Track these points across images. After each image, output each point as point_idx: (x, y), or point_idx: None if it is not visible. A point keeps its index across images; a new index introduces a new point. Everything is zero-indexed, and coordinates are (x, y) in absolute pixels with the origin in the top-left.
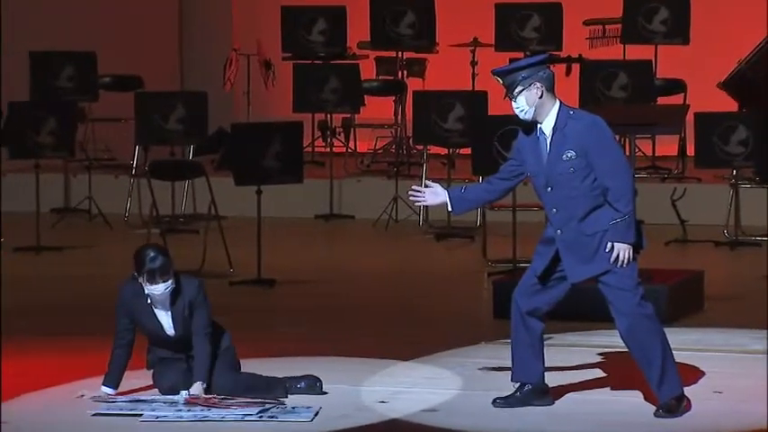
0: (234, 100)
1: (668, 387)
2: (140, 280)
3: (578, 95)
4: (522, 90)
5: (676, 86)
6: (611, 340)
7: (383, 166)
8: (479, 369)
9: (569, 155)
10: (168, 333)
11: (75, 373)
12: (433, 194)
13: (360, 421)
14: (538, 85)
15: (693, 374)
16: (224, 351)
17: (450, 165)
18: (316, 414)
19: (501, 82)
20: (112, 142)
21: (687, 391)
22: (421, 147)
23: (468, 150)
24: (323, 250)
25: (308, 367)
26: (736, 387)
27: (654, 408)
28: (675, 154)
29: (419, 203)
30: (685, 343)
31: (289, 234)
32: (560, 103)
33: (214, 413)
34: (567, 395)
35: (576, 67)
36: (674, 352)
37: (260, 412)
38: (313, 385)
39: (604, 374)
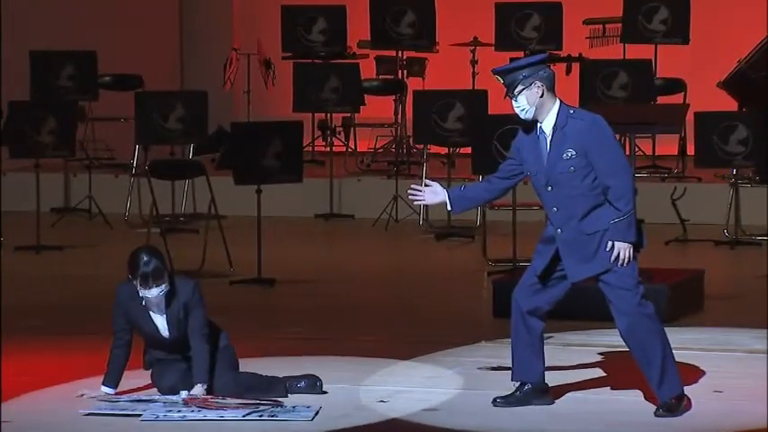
0: (234, 99)
1: (668, 386)
2: (135, 284)
3: (578, 95)
4: (523, 89)
5: (676, 86)
6: (612, 340)
7: (383, 166)
8: (479, 368)
9: (569, 154)
10: (163, 335)
11: (76, 372)
12: (433, 193)
13: (360, 421)
14: (538, 84)
15: (693, 374)
16: (222, 351)
17: (451, 164)
18: (316, 413)
19: (501, 81)
20: (113, 141)
21: (687, 390)
22: (421, 146)
23: (468, 150)
24: (323, 250)
25: (308, 367)
26: (736, 386)
27: (654, 407)
28: (675, 153)
29: (418, 202)
30: (685, 342)
31: (289, 233)
32: (560, 102)
33: (214, 413)
34: (567, 394)
35: (576, 67)
36: (674, 351)
37: (260, 412)
38: (313, 385)
39: (604, 374)
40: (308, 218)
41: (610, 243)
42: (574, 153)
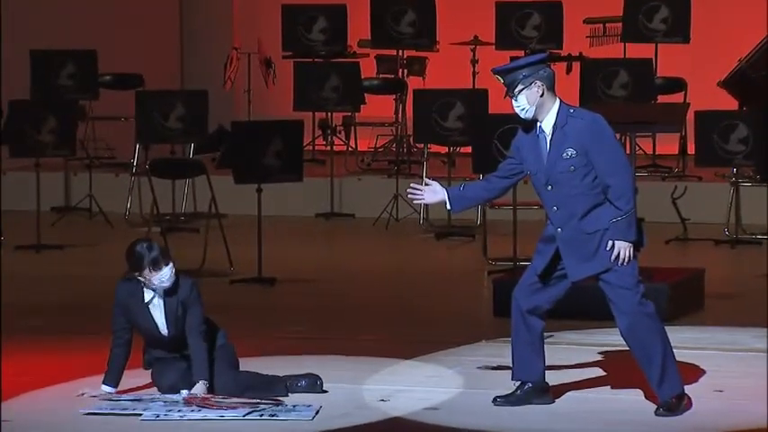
0: (234, 98)
1: (669, 385)
2: (144, 274)
3: (579, 94)
4: (523, 89)
5: (677, 85)
6: (612, 339)
7: (383, 165)
8: (480, 368)
9: (569, 153)
10: (162, 333)
11: (76, 371)
12: (432, 192)
13: (360, 420)
14: (538, 83)
15: (694, 373)
16: (221, 349)
17: (451, 163)
18: (316, 413)
19: (501, 81)
20: (113, 141)
21: (687, 389)
22: (421, 145)
23: (468, 149)
24: (323, 249)
25: (308, 366)
26: (736, 386)
27: (654, 406)
28: (676, 152)
29: (418, 201)
30: (686, 341)
31: (289, 233)
32: (560, 101)
33: (214, 412)
34: (567, 394)
35: (576, 66)
36: (674, 350)
37: (260, 411)
38: (314, 384)
39: (605, 373)
40: (308, 217)
41: (610, 242)
42: (574, 152)
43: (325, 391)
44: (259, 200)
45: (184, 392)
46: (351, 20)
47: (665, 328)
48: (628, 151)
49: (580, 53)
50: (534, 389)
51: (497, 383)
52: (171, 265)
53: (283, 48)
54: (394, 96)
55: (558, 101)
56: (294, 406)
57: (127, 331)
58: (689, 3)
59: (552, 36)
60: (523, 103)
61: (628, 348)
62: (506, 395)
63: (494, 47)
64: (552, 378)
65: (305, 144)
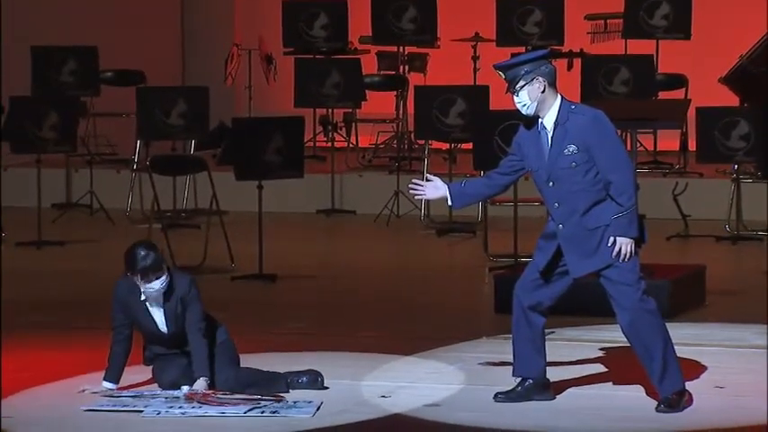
0: (235, 95)
1: (670, 382)
2: (135, 279)
3: (580, 90)
4: (525, 85)
5: (678, 81)
6: (613, 335)
7: (384, 161)
8: (480, 364)
9: (571, 149)
10: (162, 330)
11: (77, 368)
12: (434, 188)
13: (361, 416)
14: (540, 79)
15: (695, 369)
16: (221, 345)
17: (452, 160)
18: (317, 409)
19: (503, 76)
20: (114, 137)
21: (688, 385)
22: (422, 142)
23: (469, 145)
24: (324, 245)
25: (309, 362)
26: (737, 382)
27: (655, 402)
28: (677, 149)
29: (419, 197)
30: (687, 338)
31: (290, 229)
32: (562, 98)
33: (215, 409)
34: (568, 390)
35: (577, 62)
36: (675, 347)
37: (261, 408)
38: (314, 380)
39: (606, 369)
40: (309, 213)
41: (611, 238)
42: (575, 149)
43: (326, 388)
44: (260, 196)
45: (185, 389)
46: (352, 16)
47: (666, 324)
48: (629, 148)
49: (581, 49)
50: (535, 385)
51: (498, 380)
52: (163, 277)
53: (284, 44)
54: (395, 93)
55: (559, 97)
56: (295, 402)
57: (127, 327)
58: None
59: (553, 32)
60: (525, 99)
61: (629, 345)
62: (507, 391)
63: (495, 43)
64: (553, 374)
65: (306, 140)
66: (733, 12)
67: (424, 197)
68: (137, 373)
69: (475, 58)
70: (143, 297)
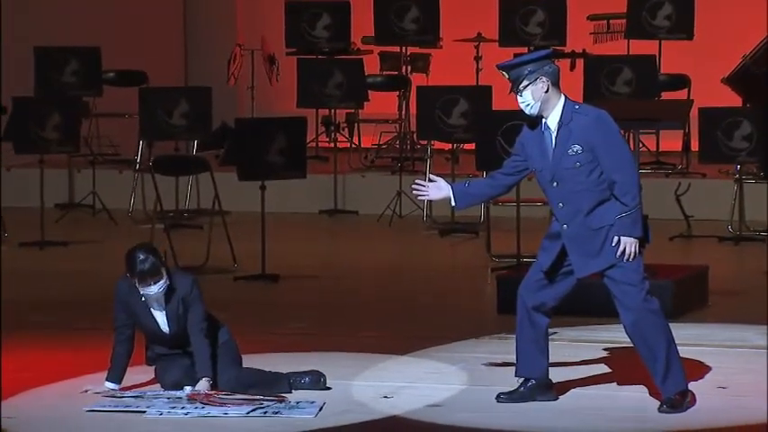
0: (238, 95)
1: (673, 382)
2: (133, 282)
3: (582, 90)
4: (528, 84)
5: (680, 82)
6: (616, 335)
7: (387, 162)
8: (483, 364)
9: (575, 149)
10: (164, 330)
11: (80, 368)
12: (437, 189)
13: (363, 416)
14: (544, 79)
15: (698, 370)
16: (224, 346)
17: (455, 160)
18: (320, 409)
19: (506, 76)
20: (117, 137)
21: (691, 386)
22: (425, 142)
23: (472, 145)
24: (327, 245)
25: (311, 362)
26: (740, 382)
27: (658, 403)
28: (679, 149)
29: (422, 198)
30: (689, 338)
31: (293, 229)
32: (565, 97)
33: (217, 409)
34: (571, 390)
35: (580, 63)
36: (678, 347)
37: (264, 408)
38: (317, 380)
39: (609, 370)
40: (311, 214)
41: (616, 238)
42: (579, 148)
43: (329, 388)
44: (262, 197)
45: (188, 389)
46: (354, 16)
47: (669, 324)
48: (632, 148)
49: (584, 50)
50: (538, 385)
51: (501, 380)
52: (161, 282)
53: (287, 44)
54: (397, 93)
55: (563, 97)
56: (297, 402)
57: (129, 328)
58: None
59: (556, 33)
60: (528, 99)
61: (632, 345)
62: (510, 392)
63: (497, 43)
64: (556, 375)
65: (308, 141)
66: (736, 12)
67: (428, 198)
68: (139, 373)
69: (477, 59)
70: (144, 298)
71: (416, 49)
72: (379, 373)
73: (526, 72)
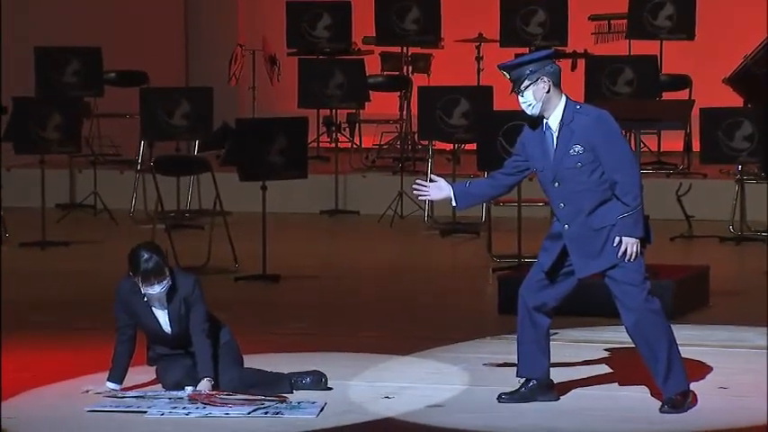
0: (239, 95)
1: (674, 382)
2: (136, 281)
3: (584, 91)
4: (530, 85)
5: (682, 82)
6: (617, 336)
7: (388, 162)
8: (484, 364)
9: (576, 149)
10: (165, 330)
11: (80, 368)
12: (438, 189)
13: (365, 417)
14: (545, 79)
15: (699, 370)
16: (225, 346)
17: (456, 160)
18: (321, 409)
19: (507, 76)
20: (118, 138)
21: (692, 386)
22: (426, 142)
23: (473, 146)
24: (328, 246)
25: (313, 362)
26: (741, 382)
27: (660, 403)
28: (681, 149)
29: (423, 198)
30: (691, 338)
31: (293, 229)
32: (567, 98)
33: (219, 410)
34: (572, 390)
35: (581, 63)
36: (679, 347)
37: (265, 409)
38: (318, 381)
39: (610, 370)
40: (312, 214)
41: (617, 238)
42: (581, 148)
43: (330, 388)
44: (263, 197)
45: (189, 389)
46: (355, 17)
47: (670, 324)
48: (633, 148)
49: (585, 50)
50: (539, 386)
51: (502, 380)
52: (165, 282)
53: (288, 45)
54: (398, 93)
55: (564, 97)
56: (299, 403)
57: (130, 328)
58: (694, 0)
59: (557, 33)
60: (530, 99)
61: (633, 345)
62: (511, 392)
63: (498, 44)
64: (557, 375)
65: (309, 141)
66: (737, 12)
67: (428, 198)
68: (140, 373)
69: (478, 59)
70: (146, 298)
71: (417, 50)
72: (380, 374)
73: (527, 72)
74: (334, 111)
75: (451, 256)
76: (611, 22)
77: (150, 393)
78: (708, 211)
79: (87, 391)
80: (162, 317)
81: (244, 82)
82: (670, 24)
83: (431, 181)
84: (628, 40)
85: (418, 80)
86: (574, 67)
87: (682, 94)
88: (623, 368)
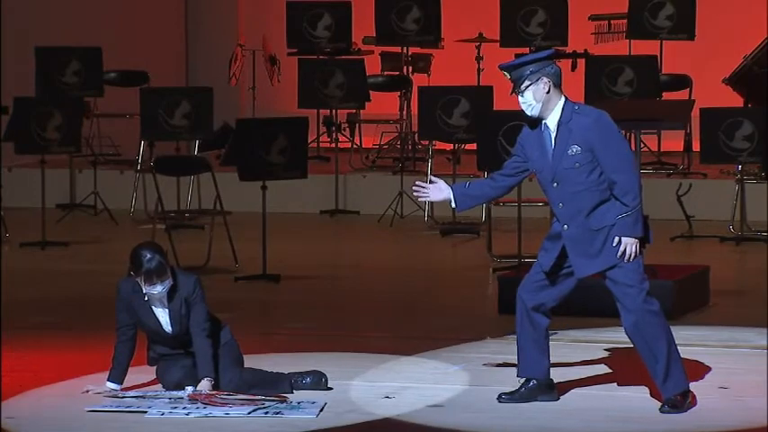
0: (239, 95)
1: (673, 382)
2: (138, 280)
3: (584, 91)
4: (530, 85)
5: (682, 82)
6: (617, 336)
7: (388, 162)
8: (485, 365)
9: (575, 150)
10: (166, 330)
11: (80, 368)
12: (437, 190)
13: (365, 417)
14: (545, 80)
15: (699, 370)
16: (225, 346)
17: (456, 160)
18: (321, 409)
19: (508, 77)
20: (118, 138)
21: (692, 386)
22: (426, 142)
23: (473, 146)
24: (328, 246)
25: (313, 363)
26: (741, 382)
27: (659, 403)
28: (681, 149)
29: (423, 199)
30: (690, 338)
31: (294, 230)
32: (565, 98)
33: (219, 410)
34: (572, 390)
35: (581, 63)
36: (679, 347)
37: (265, 409)
38: (318, 381)
39: (610, 370)
40: (313, 214)
41: (616, 238)
42: (579, 149)
43: (330, 388)
44: (264, 197)
45: (189, 389)
46: (355, 17)
47: (670, 325)
48: (633, 148)
49: (585, 50)
50: (539, 386)
51: (502, 380)
52: (166, 282)
53: (288, 45)
54: (399, 93)
55: (563, 98)
56: (299, 403)
57: (131, 328)
58: (694, 0)
59: (557, 33)
60: (530, 100)
61: (633, 345)
62: (511, 392)
63: (498, 44)
64: (557, 375)
65: (310, 141)
66: (737, 12)
67: (428, 199)
68: (141, 373)
69: (479, 59)
70: (146, 297)
71: (417, 50)
72: (380, 374)
73: (528, 72)
74: (334, 111)
75: (451, 257)
76: (611, 22)
77: (150, 393)
78: (708, 211)
79: (87, 391)
80: (162, 317)
81: (244, 82)
82: (670, 24)
83: (430, 182)
84: (628, 40)
85: (418, 80)
86: (574, 67)
87: (682, 94)
88: (623, 368)
